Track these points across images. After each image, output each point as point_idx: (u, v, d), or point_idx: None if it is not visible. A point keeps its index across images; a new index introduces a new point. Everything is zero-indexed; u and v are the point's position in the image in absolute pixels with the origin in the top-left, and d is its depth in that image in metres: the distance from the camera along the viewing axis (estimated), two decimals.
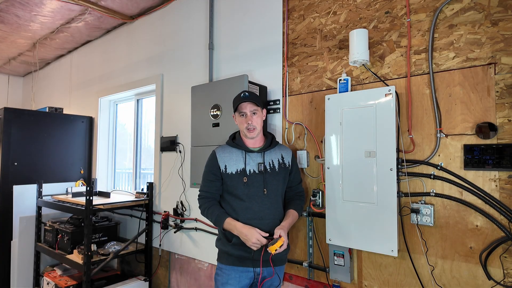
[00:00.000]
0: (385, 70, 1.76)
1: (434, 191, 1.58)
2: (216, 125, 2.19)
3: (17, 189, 3.16)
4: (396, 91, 1.67)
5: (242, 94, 1.69)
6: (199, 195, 1.74)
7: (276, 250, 1.49)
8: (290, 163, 1.76)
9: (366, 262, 1.78)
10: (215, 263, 2.47)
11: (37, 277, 3.16)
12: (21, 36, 3.80)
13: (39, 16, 3.28)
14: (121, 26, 3.55)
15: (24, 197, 3.20)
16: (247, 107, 1.67)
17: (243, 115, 1.68)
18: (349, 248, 1.78)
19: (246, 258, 1.62)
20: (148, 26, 3.23)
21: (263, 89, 2.20)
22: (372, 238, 1.63)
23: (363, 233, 1.66)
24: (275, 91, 2.21)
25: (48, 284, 2.93)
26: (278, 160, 1.73)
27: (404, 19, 1.71)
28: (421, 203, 1.61)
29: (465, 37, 1.53)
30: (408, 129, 1.66)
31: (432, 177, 1.58)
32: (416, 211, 1.60)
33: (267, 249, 1.50)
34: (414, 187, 1.64)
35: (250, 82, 2.08)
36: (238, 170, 1.66)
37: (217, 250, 1.76)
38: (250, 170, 1.66)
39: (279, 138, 2.17)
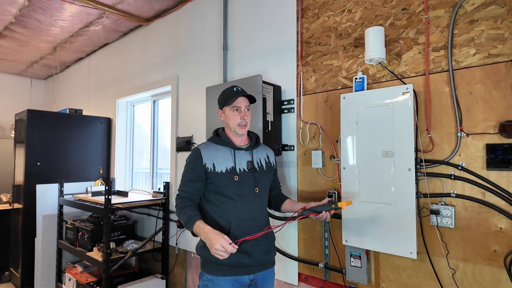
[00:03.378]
0: (402, 68, 1.72)
1: (455, 192, 1.53)
2: None
3: (40, 188, 3.28)
4: (413, 90, 1.63)
5: (235, 89, 1.59)
6: (176, 195, 1.59)
7: (345, 206, 1.49)
8: (274, 163, 1.74)
9: (384, 264, 1.75)
10: None
11: (59, 273, 3.27)
12: (43, 40, 3.93)
13: (59, 20, 3.38)
14: (137, 28, 3.62)
15: (47, 196, 3.32)
16: (242, 102, 1.58)
17: (236, 110, 1.57)
18: (366, 250, 1.75)
19: (240, 265, 1.50)
20: (163, 28, 3.27)
21: (277, 88, 2.19)
22: (390, 240, 1.60)
23: (381, 234, 1.63)
24: (289, 91, 2.20)
25: (69, 280, 3.03)
26: (265, 159, 1.68)
27: (422, 15, 1.66)
28: (441, 204, 1.56)
29: (486, 33, 1.48)
30: (427, 128, 1.62)
31: (452, 177, 1.54)
32: (436, 213, 1.56)
33: (337, 203, 1.49)
34: (434, 188, 1.60)
35: (264, 82, 2.08)
36: (228, 169, 1.54)
37: None
38: (240, 168, 1.57)
39: (293, 138, 2.16)
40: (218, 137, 1.63)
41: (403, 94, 1.58)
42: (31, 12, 3.19)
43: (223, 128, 1.69)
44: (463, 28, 1.54)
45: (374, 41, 1.69)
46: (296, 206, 1.64)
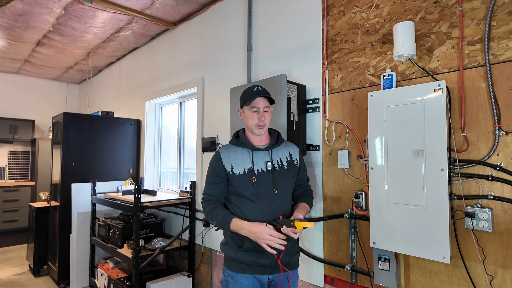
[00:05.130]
0: (434, 64, 1.65)
1: (493, 194, 1.44)
2: None
3: (75, 187, 3.46)
4: (446, 86, 1.55)
5: (255, 88, 1.57)
6: (202, 198, 1.63)
7: (304, 227, 1.36)
8: (298, 160, 1.68)
9: (414, 268, 1.68)
10: None
11: (92, 268, 3.42)
12: (77, 46, 4.14)
13: (92, 27, 3.55)
14: (164, 32, 3.73)
15: (81, 194, 3.49)
16: (261, 103, 1.56)
17: (255, 110, 1.56)
18: (395, 253, 1.69)
19: (258, 265, 1.52)
20: (189, 31, 3.35)
21: (301, 88, 2.17)
22: (421, 243, 1.53)
23: (411, 237, 1.57)
24: (314, 90, 2.17)
25: (102, 275, 3.16)
26: (286, 158, 1.64)
27: (456, 8, 1.58)
28: (477, 207, 1.48)
29: None
30: (461, 126, 1.54)
31: (490, 178, 1.45)
32: (471, 215, 1.47)
33: (293, 224, 1.38)
34: (469, 189, 1.52)
35: (288, 81, 2.07)
36: (246, 170, 1.55)
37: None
38: (258, 169, 1.56)
39: (318, 138, 2.13)
40: (237, 138, 1.64)
41: (435, 91, 1.51)
42: (67, 21, 3.38)
43: (243, 129, 1.69)
44: (502, 20, 1.45)
45: (404, 37, 1.63)
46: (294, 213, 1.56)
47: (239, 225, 1.46)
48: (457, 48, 1.57)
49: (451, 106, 1.58)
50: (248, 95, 1.59)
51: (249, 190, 1.54)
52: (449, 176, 1.52)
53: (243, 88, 2.34)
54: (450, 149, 1.55)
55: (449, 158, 1.52)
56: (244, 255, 1.52)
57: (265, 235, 1.39)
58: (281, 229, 1.42)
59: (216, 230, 2.80)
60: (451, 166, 1.54)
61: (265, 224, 1.42)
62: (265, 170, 1.57)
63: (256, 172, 1.56)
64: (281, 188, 1.58)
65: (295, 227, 1.39)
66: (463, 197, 1.52)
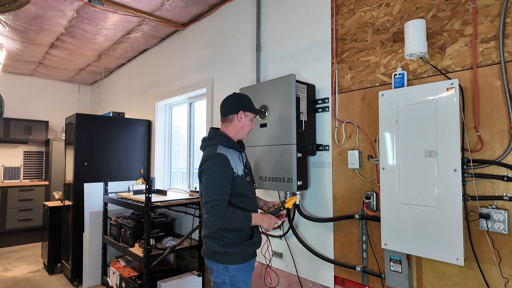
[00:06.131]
0: (446, 62, 1.62)
1: (508, 195, 1.41)
2: (263, 125, 2.21)
3: (87, 187, 3.52)
4: (459, 85, 1.52)
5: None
6: (213, 204, 1.56)
7: (293, 204, 1.80)
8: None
9: (427, 270, 1.65)
10: (266, 262, 2.49)
11: (105, 266, 3.48)
12: (89, 48, 4.21)
13: (104, 29, 3.61)
14: (174, 33, 3.76)
15: (93, 194, 3.55)
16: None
17: (252, 120, 1.79)
18: (407, 254, 1.67)
19: (255, 252, 1.78)
20: (198, 32, 3.36)
21: (311, 87, 2.16)
22: (434, 244, 1.51)
23: (423, 239, 1.54)
24: (323, 89, 2.16)
25: (113, 273, 3.21)
26: (248, 161, 1.91)
27: (469, 5, 1.55)
28: (492, 208, 1.44)
29: None
30: (475, 125, 1.51)
31: (505, 179, 1.41)
32: (486, 217, 1.44)
33: (284, 205, 1.76)
34: (483, 190, 1.48)
35: (297, 81, 2.06)
36: (242, 171, 1.72)
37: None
38: (246, 169, 1.77)
39: (328, 138, 2.11)
40: (228, 141, 1.71)
41: (447, 90, 1.48)
42: (79, 23, 3.44)
43: (221, 131, 1.74)
44: None
45: (415, 35, 1.60)
46: (259, 203, 1.91)
47: (256, 218, 1.67)
48: (470, 45, 1.54)
49: (464, 105, 1.54)
50: (253, 105, 1.78)
51: (248, 188, 1.73)
52: (463, 177, 1.49)
53: (252, 88, 2.34)
54: (463, 149, 1.52)
55: (462, 158, 1.49)
56: (249, 246, 1.69)
57: (274, 224, 1.72)
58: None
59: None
60: (464, 166, 1.51)
61: (269, 214, 1.75)
62: (246, 170, 1.78)
63: (246, 171, 1.77)
64: (254, 183, 1.87)
65: (287, 208, 1.78)
66: (477, 198, 1.49)
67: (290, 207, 1.79)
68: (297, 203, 2.09)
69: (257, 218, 1.67)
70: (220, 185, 1.59)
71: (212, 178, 1.59)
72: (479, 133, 1.50)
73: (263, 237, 2.34)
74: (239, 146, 1.75)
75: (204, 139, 1.80)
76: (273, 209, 1.79)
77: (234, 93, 1.78)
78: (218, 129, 1.78)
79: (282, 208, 1.78)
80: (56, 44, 4.06)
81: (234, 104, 1.71)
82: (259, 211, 1.90)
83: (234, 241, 1.66)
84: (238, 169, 1.68)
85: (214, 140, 1.70)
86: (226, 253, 1.66)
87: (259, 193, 2.59)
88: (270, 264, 2.46)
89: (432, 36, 1.67)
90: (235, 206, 1.66)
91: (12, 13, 3.12)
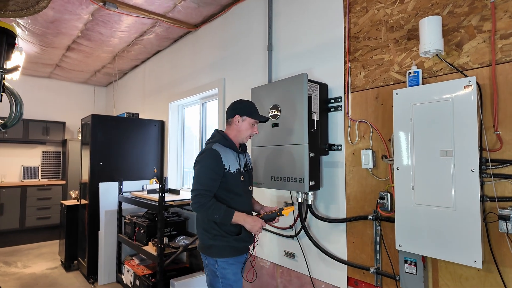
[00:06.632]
0: (463, 60, 1.58)
1: None
2: (275, 125, 2.20)
3: (103, 186, 3.59)
4: (477, 82, 1.48)
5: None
6: (198, 193, 1.69)
7: (288, 212, 1.77)
8: (252, 166, 2.03)
9: (443, 272, 1.61)
10: (278, 262, 2.49)
11: (119, 264, 3.54)
12: (104, 50, 4.30)
13: (118, 32, 3.67)
14: (186, 35, 3.79)
15: (108, 193, 3.62)
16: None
17: (253, 125, 1.86)
18: (423, 256, 1.63)
19: (244, 248, 1.83)
20: (210, 33, 3.39)
21: (323, 87, 2.14)
22: (450, 246, 1.47)
23: (439, 240, 1.51)
24: (336, 88, 2.14)
25: (128, 271, 3.27)
26: (249, 163, 1.98)
27: (487, 0, 1.50)
28: None
29: None
30: (494, 124, 1.46)
31: None
32: (506, 218, 1.40)
33: (281, 212, 1.78)
34: (503, 191, 1.44)
35: (309, 80, 2.05)
36: (236, 170, 1.80)
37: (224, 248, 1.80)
38: (241, 170, 1.85)
39: (341, 137, 2.09)
40: (226, 140, 1.82)
41: (464, 88, 1.44)
42: (94, 26, 3.51)
43: (222, 132, 1.87)
44: None
45: (430, 32, 1.57)
46: (255, 207, 1.99)
47: (240, 216, 1.72)
48: (488, 42, 1.50)
49: (482, 104, 1.50)
50: (256, 112, 1.86)
51: (239, 187, 1.81)
52: (481, 177, 1.45)
53: (264, 88, 2.34)
54: (481, 149, 1.48)
55: (480, 158, 1.45)
56: (238, 241, 1.77)
57: (258, 227, 1.74)
58: (264, 222, 1.81)
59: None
60: (482, 166, 1.47)
61: (257, 217, 1.78)
62: (243, 171, 1.86)
63: (242, 172, 1.84)
64: (251, 185, 1.94)
65: (283, 215, 1.79)
66: (496, 199, 1.44)
67: (287, 215, 1.81)
68: (296, 211, 2.08)
69: (239, 217, 1.72)
70: (208, 177, 1.72)
71: (202, 170, 1.74)
72: (498, 132, 1.45)
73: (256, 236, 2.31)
74: (238, 147, 1.85)
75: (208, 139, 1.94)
76: (269, 213, 1.82)
77: (239, 99, 1.91)
78: (223, 131, 1.91)
79: (278, 215, 1.80)
80: (72, 47, 4.16)
81: (232, 109, 1.86)
82: (254, 214, 1.94)
83: (221, 233, 1.75)
84: (231, 166, 1.77)
85: (214, 139, 1.85)
86: (214, 246, 1.76)
87: (271, 192, 2.59)
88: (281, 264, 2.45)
89: (448, 33, 1.63)
90: (223, 200, 1.75)
91: (31, 17, 3.21)
